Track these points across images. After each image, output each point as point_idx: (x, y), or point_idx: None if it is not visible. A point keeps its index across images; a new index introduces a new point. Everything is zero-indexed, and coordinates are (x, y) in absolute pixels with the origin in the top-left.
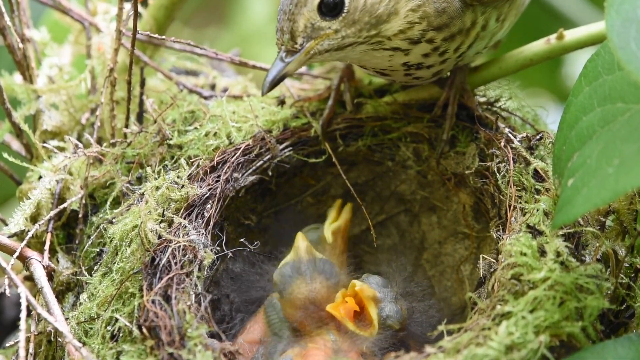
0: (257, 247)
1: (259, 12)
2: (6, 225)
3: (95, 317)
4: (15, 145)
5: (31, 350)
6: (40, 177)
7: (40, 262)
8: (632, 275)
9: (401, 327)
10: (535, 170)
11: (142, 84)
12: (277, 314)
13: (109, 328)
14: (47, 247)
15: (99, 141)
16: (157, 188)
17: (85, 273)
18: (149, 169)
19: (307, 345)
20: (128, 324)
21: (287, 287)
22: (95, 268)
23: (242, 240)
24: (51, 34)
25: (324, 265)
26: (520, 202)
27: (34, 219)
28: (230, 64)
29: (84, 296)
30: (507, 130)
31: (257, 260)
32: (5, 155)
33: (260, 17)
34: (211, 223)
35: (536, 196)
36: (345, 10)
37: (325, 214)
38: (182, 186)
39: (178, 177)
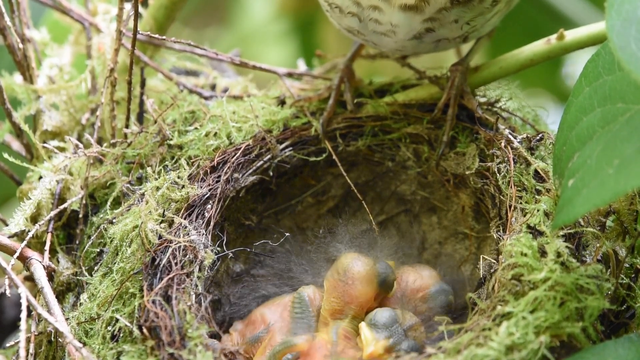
0: (257, 247)
1: (259, 12)
2: (6, 225)
3: (96, 317)
4: (16, 145)
5: (31, 351)
6: (40, 178)
7: (40, 262)
8: (633, 275)
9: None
10: (536, 170)
11: (143, 84)
12: (301, 307)
13: (109, 328)
14: (47, 247)
15: (99, 141)
16: (158, 188)
17: (86, 273)
18: (149, 169)
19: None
20: (128, 324)
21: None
22: (95, 268)
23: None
24: (51, 34)
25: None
26: (521, 203)
27: (34, 219)
28: (231, 64)
29: (84, 296)
30: (507, 130)
31: (260, 261)
32: (6, 155)
33: (260, 17)
34: (211, 223)
35: (537, 196)
36: None
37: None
38: (183, 186)
39: (178, 177)
